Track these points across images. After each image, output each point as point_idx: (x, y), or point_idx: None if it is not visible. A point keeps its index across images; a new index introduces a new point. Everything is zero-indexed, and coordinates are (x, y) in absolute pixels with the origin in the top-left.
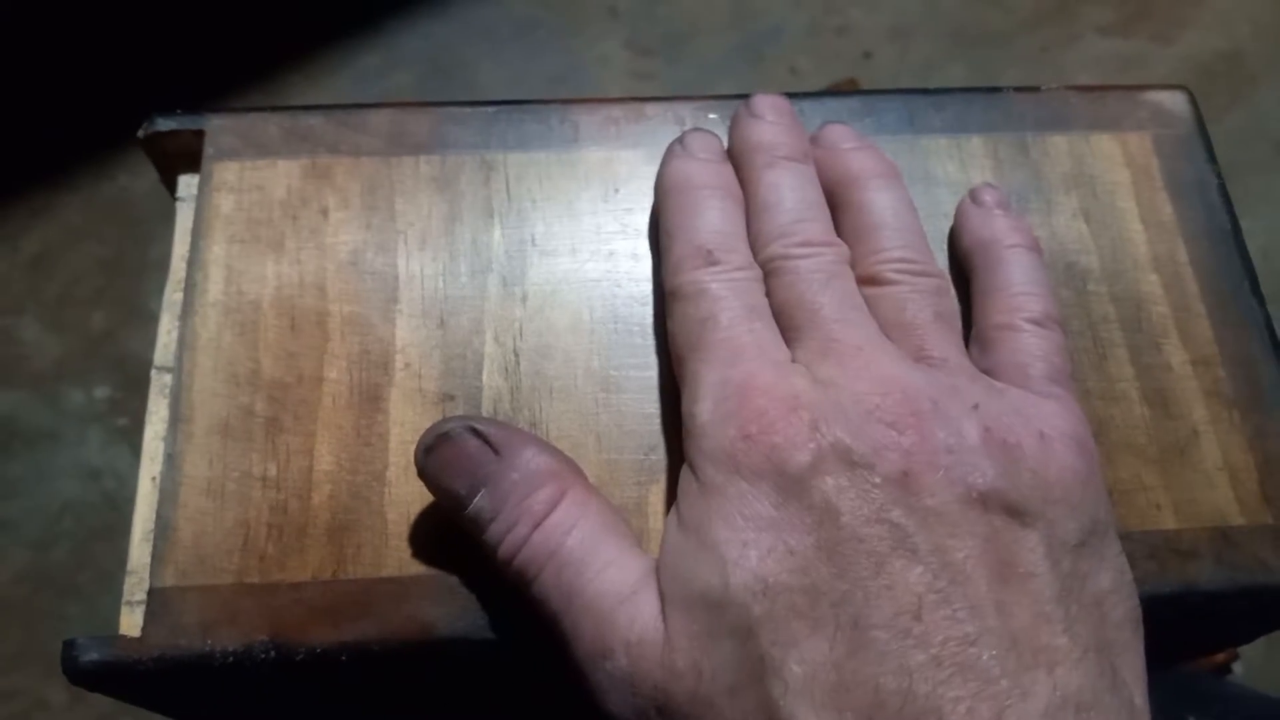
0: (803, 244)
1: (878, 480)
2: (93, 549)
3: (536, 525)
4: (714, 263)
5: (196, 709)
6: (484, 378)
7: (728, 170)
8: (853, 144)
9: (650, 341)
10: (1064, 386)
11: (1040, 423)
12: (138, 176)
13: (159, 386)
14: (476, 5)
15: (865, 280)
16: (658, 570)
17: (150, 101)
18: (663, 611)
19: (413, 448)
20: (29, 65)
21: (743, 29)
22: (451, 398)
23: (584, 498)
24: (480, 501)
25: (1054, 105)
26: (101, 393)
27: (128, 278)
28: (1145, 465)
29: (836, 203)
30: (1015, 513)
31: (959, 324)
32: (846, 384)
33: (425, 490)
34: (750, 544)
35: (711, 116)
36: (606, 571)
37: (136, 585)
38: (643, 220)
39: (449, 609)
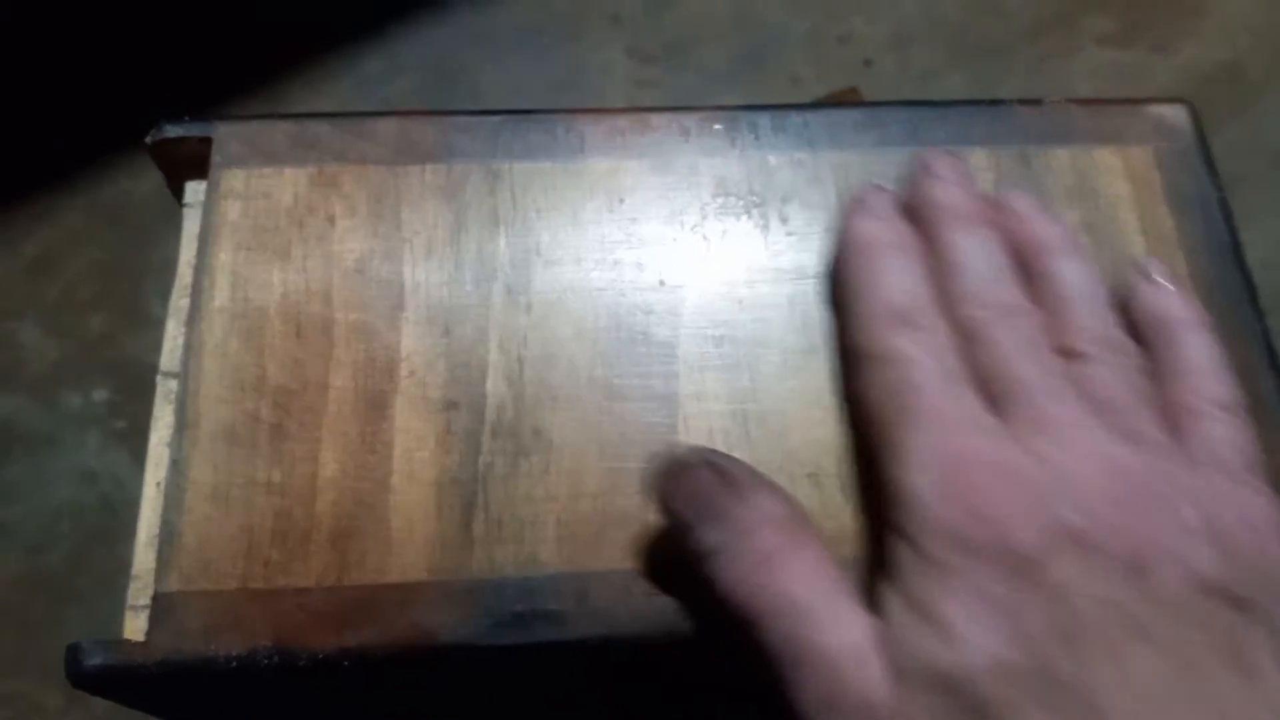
0: (1000, 308)
1: (1110, 564)
2: (90, 553)
3: (763, 566)
4: (908, 323)
5: (199, 715)
6: (488, 385)
7: (910, 229)
8: (1037, 212)
9: (654, 350)
10: (1260, 477)
11: (1250, 513)
12: (139, 181)
13: (164, 392)
14: (478, 12)
15: (1061, 353)
16: (885, 638)
17: (151, 106)
18: (895, 680)
19: (417, 454)
20: (29, 70)
21: (744, 37)
22: (456, 405)
23: (816, 548)
24: (708, 534)
25: (1056, 118)
26: (100, 396)
27: (127, 281)
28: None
29: (1024, 271)
30: (1240, 605)
31: (1160, 404)
32: (1067, 462)
33: (429, 497)
34: (985, 624)
35: (717, 127)
36: (837, 628)
37: (141, 590)
38: (647, 230)
39: (452, 616)
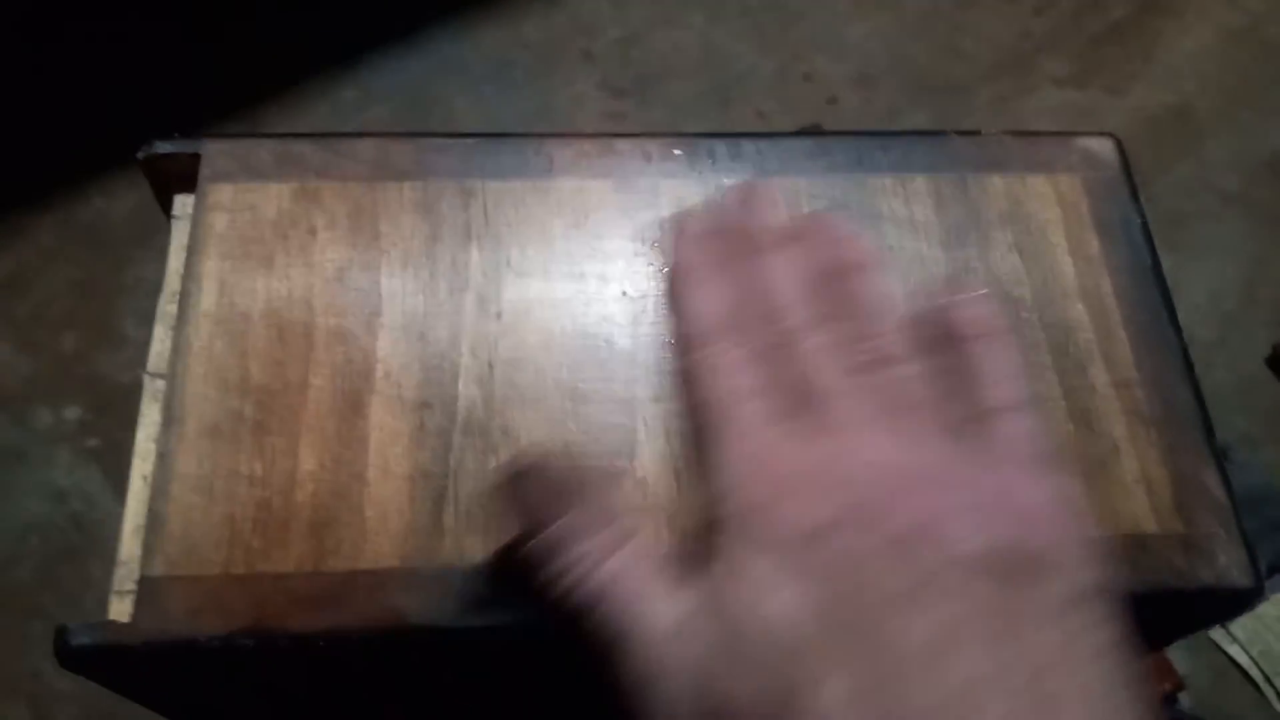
0: (799, 324)
1: (884, 540)
2: (57, 570)
3: (588, 560)
4: (714, 343)
5: (181, 701)
6: (460, 387)
7: (722, 250)
8: (840, 233)
9: (616, 356)
10: (1047, 466)
11: (1029, 498)
12: (113, 201)
13: (152, 392)
14: (452, 43)
15: (856, 364)
16: (702, 611)
17: (128, 129)
18: (708, 646)
19: (391, 450)
20: (4, 90)
21: (712, 73)
22: (429, 405)
23: (636, 541)
24: (546, 536)
25: (992, 148)
26: (71, 414)
27: (100, 300)
28: (1069, 477)
29: (824, 287)
30: (1005, 578)
31: (952, 403)
32: (852, 455)
33: (401, 490)
34: (783, 585)
35: (677, 153)
36: (655, 605)
37: (127, 575)
38: (611, 245)
39: (421, 599)
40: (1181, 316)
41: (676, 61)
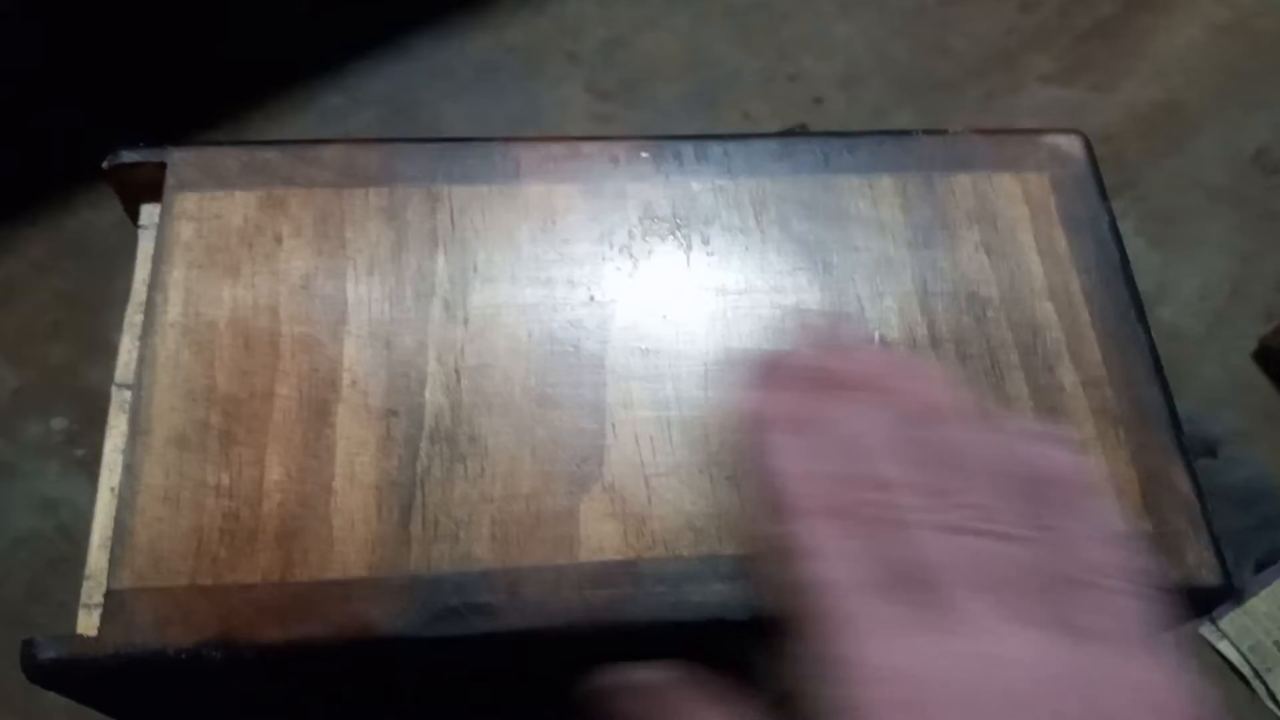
0: (894, 487)
1: None
2: (47, 581)
3: None
4: (809, 516)
5: (154, 714)
6: (426, 395)
7: (807, 399)
8: (928, 377)
9: (584, 361)
10: (1155, 647)
11: (1140, 692)
12: (100, 212)
13: (119, 402)
14: (438, 48)
15: (956, 526)
16: None
17: (113, 138)
18: None
19: (358, 459)
20: None
21: (698, 75)
22: (395, 413)
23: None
24: None
25: (959, 147)
26: (59, 424)
27: (88, 311)
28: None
29: (915, 440)
30: None
31: (1060, 577)
32: (990, 661)
33: (368, 499)
34: None
35: (644, 155)
36: None
37: (94, 589)
38: (578, 249)
39: (391, 609)
40: (1170, 312)
41: (662, 63)
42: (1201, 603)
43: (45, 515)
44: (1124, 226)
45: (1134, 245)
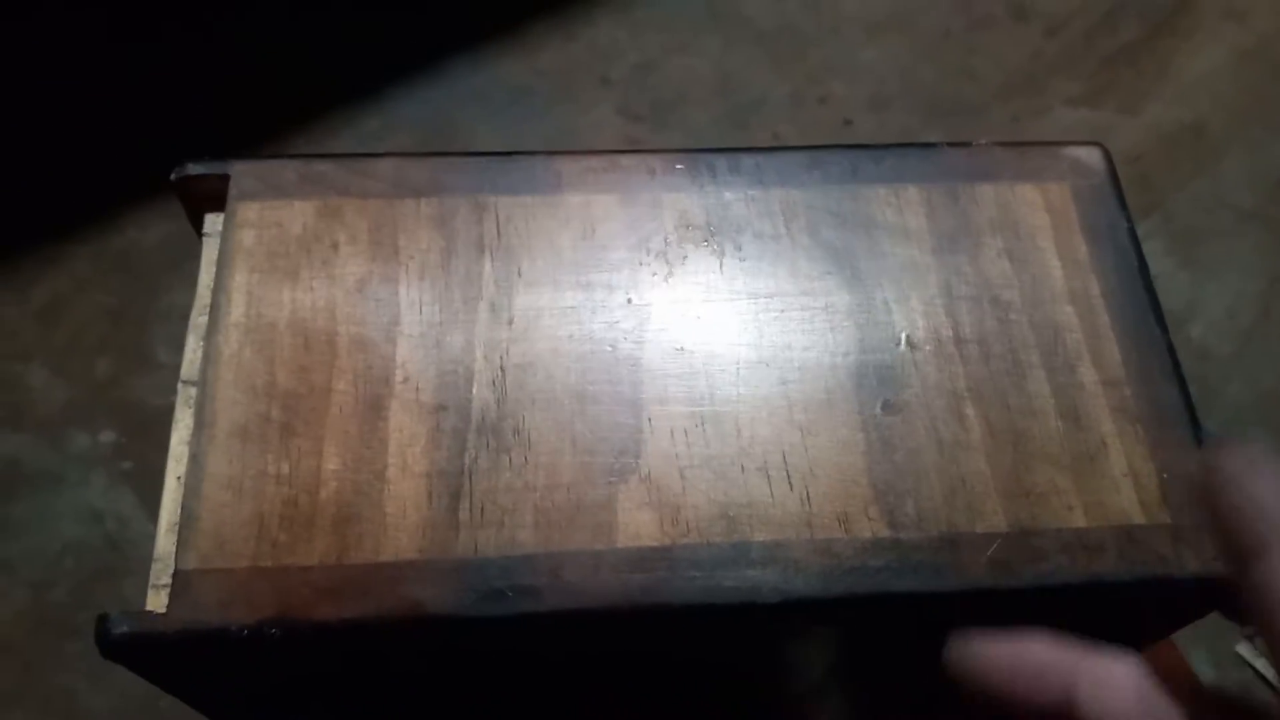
0: None
1: None
2: (92, 589)
3: None
4: None
5: (213, 689)
6: (474, 390)
7: None
8: None
9: (621, 360)
10: None
11: None
12: (146, 231)
13: (185, 398)
14: (472, 73)
15: None
16: None
17: (159, 160)
18: None
19: (409, 450)
20: (40, 121)
21: (728, 98)
22: (445, 408)
23: None
24: None
25: (982, 159)
26: (106, 437)
27: (134, 327)
28: (1059, 471)
29: None
30: None
31: None
32: None
33: (419, 487)
34: None
35: (679, 167)
36: None
37: (162, 570)
38: (616, 256)
39: (439, 590)
40: (1198, 332)
41: (693, 87)
42: (1217, 594)
43: (92, 525)
44: (1153, 247)
45: (1163, 265)
